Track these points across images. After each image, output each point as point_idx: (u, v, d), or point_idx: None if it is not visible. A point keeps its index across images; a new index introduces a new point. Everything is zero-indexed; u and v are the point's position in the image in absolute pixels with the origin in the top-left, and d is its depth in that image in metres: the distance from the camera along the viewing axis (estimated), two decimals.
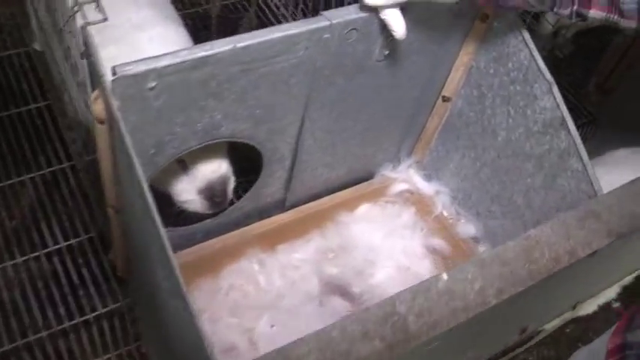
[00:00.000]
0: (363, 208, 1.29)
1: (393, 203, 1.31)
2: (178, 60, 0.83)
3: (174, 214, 1.13)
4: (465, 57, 1.12)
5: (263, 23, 1.66)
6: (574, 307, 1.28)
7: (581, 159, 0.98)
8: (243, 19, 1.71)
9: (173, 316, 0.84)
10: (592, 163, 1.01)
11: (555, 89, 0.99)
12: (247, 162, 1.21)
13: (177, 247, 1.13)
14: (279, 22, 1.62)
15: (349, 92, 1.05)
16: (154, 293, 0.94)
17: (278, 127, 1.03)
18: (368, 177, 1.29)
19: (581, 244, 0.90)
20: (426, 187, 1.29)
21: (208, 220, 1.15)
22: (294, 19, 1.56)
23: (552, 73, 1.01)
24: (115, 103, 0.80)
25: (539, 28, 1.52)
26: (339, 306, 1.23)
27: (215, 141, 0.99)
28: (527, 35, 1.01)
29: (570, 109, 1.00)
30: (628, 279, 1.36)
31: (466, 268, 0.84)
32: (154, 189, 1.06)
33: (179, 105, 0.89)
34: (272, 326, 1.13)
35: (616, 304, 1.32)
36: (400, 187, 1.29)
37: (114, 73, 0.79)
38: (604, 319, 1.31)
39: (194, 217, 1.13)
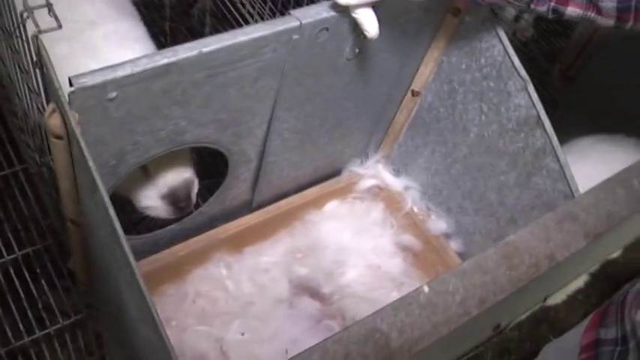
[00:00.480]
0: (331, 206, 1.26)
1: (362, 199, 1.28)
2: (139, 69, 0.77)
3: (136, 220, 1.08)
4: (436, 52, 1.08)
5: (217, 5, 1.59)
6: (544, 300, 1.28)
7: (558, 159, 0.96)
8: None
9: (137, 326, 0.80)
10: None
11: (531, 87, 0.97)
12: (212, 163, 1.17)
13: (140, 255, 1.08)
14: (236, 7, 1.56)
15: (318, 92, 1.01)
16: (118, 304, 0.89)
17: (244, 130, 0.98)
18: (336, 173, 1.25)
19: (559, 247, 0.89)
20: (394, 183, 1.26)
21: (172, 226, 1.10)
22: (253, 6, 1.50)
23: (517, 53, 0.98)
24: (73, 117, 0.74)
25: (501, 13, 1.50)
26: (310, 307, 1.20)
27: (179, 147, 0.94)
28: (501, 31, 0.98)
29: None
30: (595, 267, 1.37)
31: (447, 280, 0.82)
32: (115, 195, 1.01)
33: (142, 114, 0.83)
34: (242, 334, 1.09)
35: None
36: (368, 182, 1.26)
37: (71, 85, 0.74)
38: (572, 308, 1.31)
39: (158, 223, 1.09)
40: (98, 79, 0.75)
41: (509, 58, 0.98)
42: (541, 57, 1.59)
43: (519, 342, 1.25)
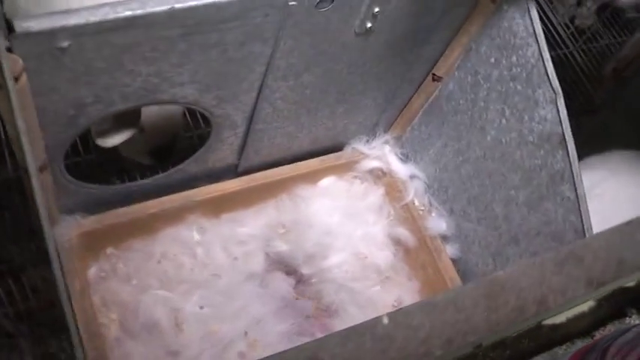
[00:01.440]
0: (327, 182, 1.15)
1: (362, 180, 1.17)
2: (96, 19, 0.66)
3: (115, 170, 0.99)
4: (465, 37, 0.95)
5: None
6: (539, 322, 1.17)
7: (576, 189, 0.83)
8: None
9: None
10: (584, 162, 0.86)
11: (561, 102, 0.83)
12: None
13: (111, 205, 1.00)
14: None
15: (319, 64, 0.89)
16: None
17: (229, 94, 0.87)
18: (337, 149, 1.14)
19: (554, 292, 0.77)
20: (400, 169, 1.14)
21: (148, 180, 1.01)
22: None
23: (571, 42, 0.84)
24: (14, 63, 0.64)
25: None
26: (283, 287, 1.11)
27: (152, 104, 0.84)
28: (540, 31, 0.84)
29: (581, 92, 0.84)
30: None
31: (412, 312, 0.71)
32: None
33: (102, 67, 0.73)
34: (202, 307, 1.01)
35: None
36: (372, 164, 1.15)
37: (10, 29, 0.63)
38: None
39: (134, 176, 1.00)
40: (45, 24, 0.65)
41: (544, 63, 0.84)
42: (595, 51, 1.42)
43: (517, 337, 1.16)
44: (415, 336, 0.72)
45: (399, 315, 0.71)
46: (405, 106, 1.10)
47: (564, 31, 1.36)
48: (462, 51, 0.96)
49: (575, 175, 0.83)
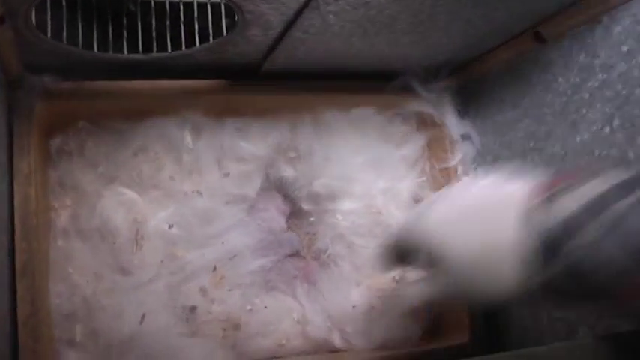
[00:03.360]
0: (362, 112, 0.93)
1: (404, 121, 0.95)
2: None
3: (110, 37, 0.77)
4: (597, 4, 0.70)
5: None
6: None
7: None
8: None
9: None
10: None
11: None
12: None
13: (91, 75, 0.80)
14: None
15: None
16: None
17: None
18: (386, 76, 0.91)
19: None
20: (453, 124, 0.92)
21: (141, 55, 0.79)
22: None
23: None
24: None
25: None
26: (274, 216, 0.94)
27: None
28: None
29: None
30: None
31: None
32: None
33: None
34: (170, 226, 0.84)
35: None
36: (422, 106, 0.92)
37: None
38: None
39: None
40: None
41: None
42: None
43: None
44: None
45: None
46: (485, 55, 0.86)
47: None
48: (586, 20, 0.71)
49: None
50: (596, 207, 0.50)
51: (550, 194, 0.53)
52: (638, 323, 0.58)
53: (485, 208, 0.57)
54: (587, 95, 0.72)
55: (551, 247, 0.51)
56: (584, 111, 0.73)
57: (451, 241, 0.59)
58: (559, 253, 0.51)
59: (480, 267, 0.56)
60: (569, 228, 0.50)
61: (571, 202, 0.51)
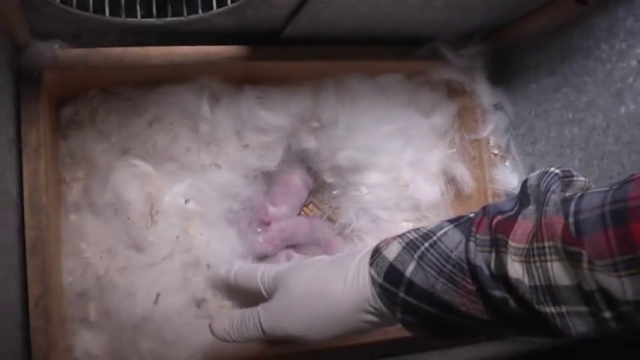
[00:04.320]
0: (388, 79, 0.89)
1: (433, 89, 0.90)
2: None
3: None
4: None
5: None
6: None
7: None
8: None
9: None
10: None
11: None
12: None
13: (104, 42, 0.75)
14: None
15: None
16: None
17: None
18: (413, 42, 0.85)
19: None
20: (485, 92, 0.87)
21: (154, 20, 0.74)
22: None
23: None
24: None
25: None
26: (293, 189, 0.89)
27: None
28: None
29: None
30: None
31: None
32: None
33: None
34: (187, 201, 0.80)
35: None
36: (451, 74, 0.87)
37: None
38: None
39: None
40: None
41: None
42: None
43: None
44: None
45: None
46: (521, 19, 0.80)
47: None
48: None
49: None
50: (412, 246, 0.59)
51: (391, 240, 0.63)
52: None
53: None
54: (634, 63, 0.67)
55: (386, 289, 0.59)
56: (629, 80, 0.68)
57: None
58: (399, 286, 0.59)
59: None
60: (395, 271, 0.59)
61: (395, 248, 0.61)
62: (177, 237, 0.78)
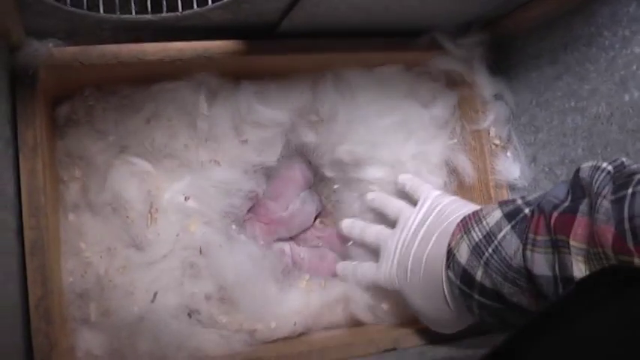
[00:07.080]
0: (387, 71, 0.88)
1: (433, 79, 0.89)
2: None
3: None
4: None
5: None
6: None
7: None
8: None
9: None
10: None
11: None
12: None
13: (98, 39, 0.74)
14: None
15: None
16: None
17: None
18: (411, 33, 0.84)
19: None
20: (485, 82, 0.86)
21: (150, 16, 0.73)
22: None
23: None
24: None
25: None
26: (291, 185, 0.89)
27: None
28: None
29: None
30: None
31: None
32: None
33: None
34: (186, 198, 0.79)
35: None
36: (451, 63, 0.86)
37: None
38: None
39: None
40: None
41: None
42: None
43: None
44: None
45: None
46: (522, 7, 0.79)
47: None
48: None
49: None
50: (478, 251, 0.62)
51: (460, 237, 0.65)
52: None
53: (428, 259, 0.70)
54: (638, 50, 0.66)
55: (463, 291, 0.64)
56: (634, 67, 0.67)
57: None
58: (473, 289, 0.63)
59: (425, 313, 0.72)
60: (468, 275, 0.63)
61: (464, 251, 0.64)
62: (177, 235, 0.78)
